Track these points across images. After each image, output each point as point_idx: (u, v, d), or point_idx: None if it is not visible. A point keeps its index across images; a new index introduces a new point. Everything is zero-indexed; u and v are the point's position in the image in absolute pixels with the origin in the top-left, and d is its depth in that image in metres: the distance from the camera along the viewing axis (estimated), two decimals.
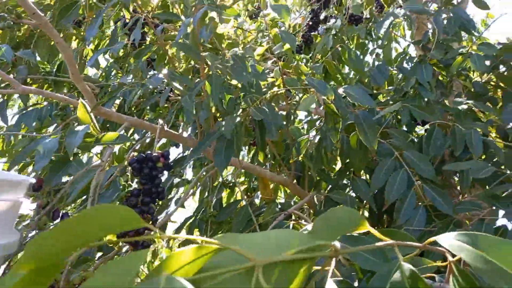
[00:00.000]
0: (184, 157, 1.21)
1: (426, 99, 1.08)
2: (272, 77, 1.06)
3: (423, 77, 1.06)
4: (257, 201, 1.19)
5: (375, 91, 1.41)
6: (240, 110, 0.90)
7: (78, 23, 1.19)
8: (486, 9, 1.33)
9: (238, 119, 0.81)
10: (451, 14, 1.11)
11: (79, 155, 1.10)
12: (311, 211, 1.02)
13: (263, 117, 0.80)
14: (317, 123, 1.30)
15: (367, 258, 0.41)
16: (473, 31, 1.09)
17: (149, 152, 0.77)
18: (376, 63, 1.58)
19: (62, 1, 0.90)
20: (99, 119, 1.06)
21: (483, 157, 1.03)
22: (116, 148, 1.24)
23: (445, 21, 1.13)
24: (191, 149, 0.94)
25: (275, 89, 1.02)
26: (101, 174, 0.75)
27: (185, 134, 1.14)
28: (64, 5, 0.79)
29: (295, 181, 1.07)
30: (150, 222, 0.73)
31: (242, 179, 1.39)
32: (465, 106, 1.06)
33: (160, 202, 1.14)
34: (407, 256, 0.43)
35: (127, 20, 0.97)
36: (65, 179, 0.86)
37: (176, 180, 1.20)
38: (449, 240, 0.35)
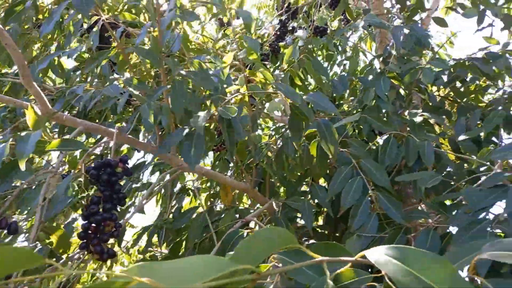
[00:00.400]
0: (143, 162, 1.19)
1: (385, 111, 1.13)
2: (237, 84, 1.07)
3: (381, 89, 1.10)
4: (221, 206, 1.20)
5: (341, 101, 1.45)
6: (207, 111, 0.89)
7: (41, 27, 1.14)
8: (445, 27, 1.42)
9: (207, 115, 0.80)
10: (409, 30, 1.16)
11: (36, 159, 1.05)
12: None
13: (231, 116, 0.80)
14: (282, 130, 1.32)
15: (304, 272, 0.43)
16: (427, 47, 1.15)
17: (107, 157, 0.75)
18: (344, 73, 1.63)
19: None
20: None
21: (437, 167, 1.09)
22: (78, 152, 1.20)
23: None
24: (156, 149, 0.92)
25: (240, 96, 1.03)
26: (52, 180, 0.73)
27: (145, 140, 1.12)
28: (11, 5, 0.76)
29: (256, 188, 1.08)
30: (114, 229, 0.72)
31: (208, 184, 1.39)
32: (420, 118, 1.12)
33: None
34: (345, 268, 0.46)
35: (85, 25, 0.95)
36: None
37: (135, 185, 1.18)
38: (376, 255, 0.37)
